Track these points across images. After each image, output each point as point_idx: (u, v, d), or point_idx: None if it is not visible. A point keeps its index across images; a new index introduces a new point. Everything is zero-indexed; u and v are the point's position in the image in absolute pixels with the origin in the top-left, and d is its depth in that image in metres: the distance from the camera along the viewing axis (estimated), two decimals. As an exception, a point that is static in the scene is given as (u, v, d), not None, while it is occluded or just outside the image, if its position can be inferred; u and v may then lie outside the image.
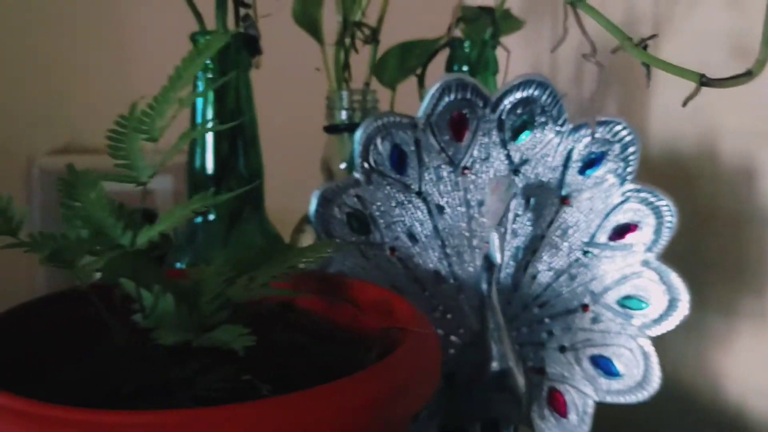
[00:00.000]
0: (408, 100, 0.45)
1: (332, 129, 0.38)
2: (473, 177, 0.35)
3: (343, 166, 0.38)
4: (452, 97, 0.33)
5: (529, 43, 0.60)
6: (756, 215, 0.49)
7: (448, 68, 0.41)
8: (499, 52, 0.42)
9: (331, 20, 0.40)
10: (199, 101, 0.35)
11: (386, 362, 0.21)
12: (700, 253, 0.53)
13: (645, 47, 0.23)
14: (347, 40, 0.36)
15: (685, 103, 0.27)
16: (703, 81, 0.25)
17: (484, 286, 0.32)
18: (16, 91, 0.48)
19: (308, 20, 0.39)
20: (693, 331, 0.54)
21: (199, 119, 0.34)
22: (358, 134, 0.33)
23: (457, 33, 0.41)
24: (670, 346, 0.54)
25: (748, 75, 0.25)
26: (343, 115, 0.37)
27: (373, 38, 0.38)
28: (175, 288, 0.25)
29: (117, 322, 0.26)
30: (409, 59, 0.42)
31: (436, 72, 0.44)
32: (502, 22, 0.41)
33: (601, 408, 0.35)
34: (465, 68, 0.40)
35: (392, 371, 0.21)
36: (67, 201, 0.25)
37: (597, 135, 0.33)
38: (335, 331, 0.30)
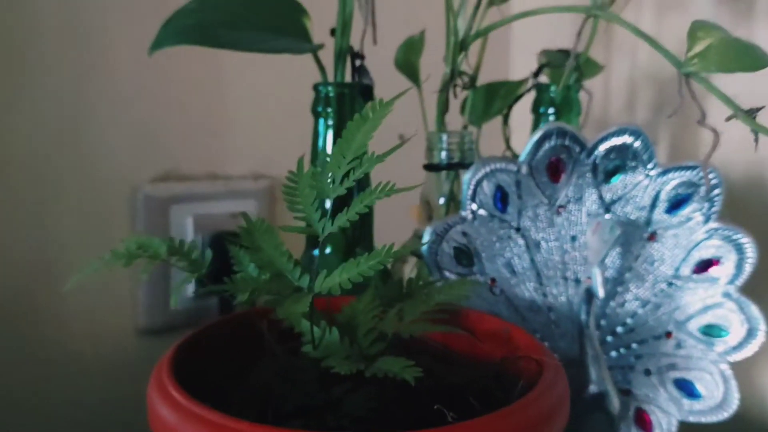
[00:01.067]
0: (493, 135, 0.49)
1: (433, 167, 0.41)
2: (567, 215, 0.38)
3: (441, 201, 0.42)
4: (552, 143, 0.37)
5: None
6: None
7: (535, 110, 0.45)
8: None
9: (426, 66, 0.43)
10: (322, 141, 0.38)
11: (537, 392, 0.25)
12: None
13: (754, 117, 0.26)
14: (450, 86, 0.40)
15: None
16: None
17: (584, 317, 0.36)
18: (119, 124, 0.52)
19: (409, 67, 0.42)
20: None
21: (321, 156, 0.38)
22: (467, 177, 0.37)
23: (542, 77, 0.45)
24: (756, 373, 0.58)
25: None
26: (443, 154, 0.41)
27: (472, 84, 0.42)
28: (336, 322, 0.28)
29: (280, 348, 0.29)
30: (495, 101, 0.46)
31: (519, 111, 0.47)
32: (584, 66, 0.44)
33: (684, 427, 0.39)
34: (551, 110, 0.44)
35: (543, 400, 0.25)
36: (244, 245, 0.29)
37: (685, 179, 0.37)
38: (455, 357, 0.33)
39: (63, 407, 0.51)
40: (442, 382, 0.32)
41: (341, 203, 0.39)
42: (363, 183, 0.39)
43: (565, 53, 0.45)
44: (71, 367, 0.51)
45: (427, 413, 0.26)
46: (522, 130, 0.46)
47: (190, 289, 0.55)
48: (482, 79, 0.46)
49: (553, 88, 0.43)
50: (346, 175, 0.27)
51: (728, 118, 0.27)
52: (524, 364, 0.30)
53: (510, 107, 0.46)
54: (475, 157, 0.42)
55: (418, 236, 0.41)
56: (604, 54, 0.66)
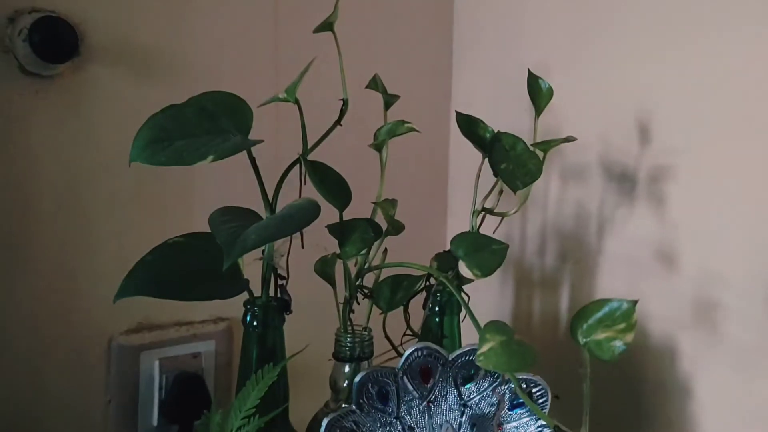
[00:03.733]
0: (397, 318, 0.60)
1: (339, 359, 0.53)
2: (435, 407, 0.50)
3: (345, 384, 0.54)
4: (421, 358, 0.49)
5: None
6: (679, 386, 0.65)
7: (425, 306, 0.56)
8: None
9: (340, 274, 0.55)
10: (251, 350, 0.50)
11: None
12: (632, 412, 0.69)
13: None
14: (349, 303, 0.52)
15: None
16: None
17: (438, 496, 0.47)
18: (94, 280, 0.63)
19: (325, 275, 0.54)
20: None
21: (245, 365, 0.50)
22: (356, 381, 0.48)
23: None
24: None
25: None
26: (347, 350, 0.53)
27: (371, 296, 0.54)
28: None
29: None
30: (399, 291, 0.58)
31: (418, 301, 0.59)
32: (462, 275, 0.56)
33: None
34: (437, 308, 0.56)
35: None
36: None
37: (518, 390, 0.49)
38: None
39: None
40: None
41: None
42: (282, 373, 0.51)
43: (453, 257, 0.57)
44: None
45: None
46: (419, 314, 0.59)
47: (155, 419, 0.67)
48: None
49: (438, 294, 0.55)
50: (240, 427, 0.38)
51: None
52: None
53: (409, 300, 0.57)
54: (372, 350, 0.54)
55: (326, 412, 0.53)
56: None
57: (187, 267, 0.46)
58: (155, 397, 0.65)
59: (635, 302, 0.38)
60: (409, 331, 0.58)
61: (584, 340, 0.39)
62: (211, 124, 0.43)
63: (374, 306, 0.57)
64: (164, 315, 0.68)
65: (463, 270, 0.46)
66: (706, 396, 0.64)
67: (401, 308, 0.58)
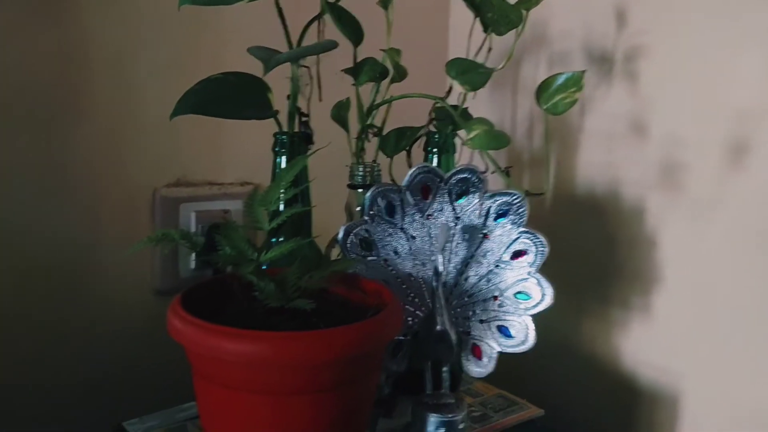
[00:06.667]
0: (400, 164, 0.70)
1: (353, 186, 0.63)
2: (432, 220, 0.60)
3: (357, 209, 0.64)
4: (422, 175, 0.59)
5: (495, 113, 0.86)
6: (646, 240, 0.75)
7: (425, 149, 0.66)
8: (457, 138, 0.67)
9: (354, 119, 0.65)
10: (279, 172, 0.60)
11: (379, 316, 0.47)
12: (607, 264, 0.80)
13: (508, 173, 0.48)
14: (363, 135, 0.62)
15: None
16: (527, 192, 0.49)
17: (434, 284, 0.58)
18: (146, 144, 0.73)
19: (340, 119, 0.64)
20: (600, 318, 0.81)
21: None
22: (368, 195, 0.58)
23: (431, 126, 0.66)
24: (585, 330, 0.82)
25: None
26: (359, 178, 0.63)
27: (379, 133, 0.64)
28: (274, 280, 0.50)
29: (243, 295, 0.51)
30: (402, 140, 0.68)
31: (419, 148, 0.69)
32: (458, 120, 0.65)
33: (501, 356, 0.61)
34: (435, 149, 0.65)
35: (382, 319, 0.47)
36: (222, 235, 0.51)
37: (504, 200, 0.59)
38: (351, 304, 0.55)
39: (101, 348, 0.73)
40: (334, 315, 0.53)
41: (276, 212, 0.60)
42: (305, 197, 0.61)
43: (450, 108, 0.66)
44: (102, 317, 0.73)
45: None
46: (420, 160, 0.68)
47: (193, 263, 0.77)
48: (402, 119, 0.67)
49: (437, 135, 0.65)
50: (278, 198, 0.48)
51: (492, 173, 0.49)
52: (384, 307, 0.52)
53: (411, 145, 0.67)
54: (381, 180, 0.64)
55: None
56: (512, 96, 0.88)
57: (228, 95, 0.56)
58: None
59: (584, 71, 0.48)
60: (411, 174, 0.68)
61: (545, 105, 0.49)
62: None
63: (381, 151, 0.67)
64: (198, 174, 0.78)
65: (456, 86, 0.56)
66: (668, 246, 0.75)
67: (405, 155, 0.68)
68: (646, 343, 0.78)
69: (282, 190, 0.48)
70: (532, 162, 0.90)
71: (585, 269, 0.83)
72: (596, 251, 0.81)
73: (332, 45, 0.52)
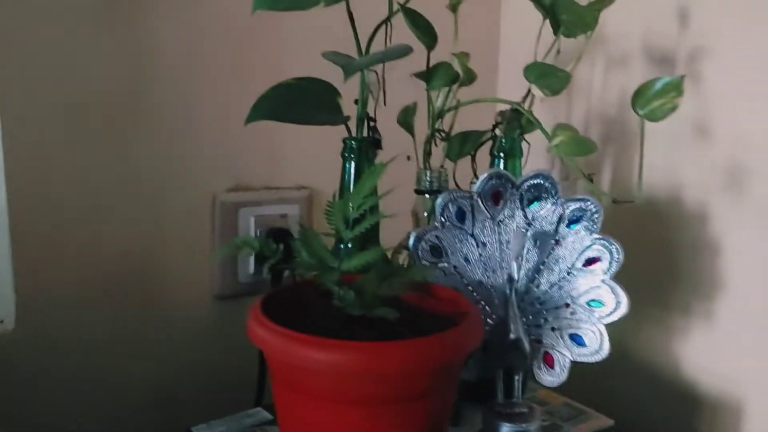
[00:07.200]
0: (464, 168, 0.70)
1: (420, 192, 0.62)
2: (503, 227, 0.59)
3: (424, 214, 0.63)
4: (494, 181, 0.58)
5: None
6: (710, 244, 0.73)
7: (491, 153, 0.65)
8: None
9: (418, 124, 0.65)
10: (348, 176, 0.60)
11: (463, 325, 0.46)
12: (668, 269, 0.78)
13: (591, 179, 0.47)
14: (432, 140, 0.61)
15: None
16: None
17: (508, 291, 0.57)
18: (207, 151, 0.74)
19: (406, 124, 0.63)
20: (660, 324, 0.79)
21: (347, 186, 0.59)
22: (439, 201, 0.58)
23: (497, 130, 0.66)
24: (643, 336, 0.80)
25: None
26: (427, 184, 0.62)
27: (447, 137, 0.63)
28: (353, 288, 0.50)
29: (321, 302, 0.51)
30: (467, 144, 0.67)
31: (483, 152, 0.68)
32: (525, 124, 0.65)
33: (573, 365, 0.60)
34: (502, 154, 0.65)
35: (462, 331, 0.46)
36: (301, 242, 0.50)
37: (578, 206, 0.58)
38: (424, 312, 0.54)
39: (162, 349, 0.73)
40: (413, 324, 0.53)
41: (356, 220, 0.60)
42: (373, 207, 0.61)
43: (515, 113, 0.65)
44: (165, 322, 0.74)
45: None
46: (486, 165, 0.68)
47: (251, 267, 0.77)
48: (469, 127, 0.67)
49: (504, 140, 0.64)
50: (360, 205, 0.48)
51: (574, 180, 0.48)
52: (462, 317, 0.51)
53: (476, 150, 0.66)
54: (448, 186, 0.63)
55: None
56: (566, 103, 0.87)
57: (300, 100, 0.56)
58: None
59: (683, 76, 0.47)
60: (475, 180, 0.67)
61: (642, 111, 0.48)
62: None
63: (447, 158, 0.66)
64: (256, 179, 0.78)
65: (535, 91, 0.55)
66: (732, 251, 0.73)
67: (469, 160, 0.68)
68: (708, 351, 0.76)
69: (362, 198, 0.48)
70: (588, 166, 0.88)
71: (644, 274, 0.81)
72: (656, 256, 0.80)
73: (408, 50, 0.51)
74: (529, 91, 0.56)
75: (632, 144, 0.82)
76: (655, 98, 0.47)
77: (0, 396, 0.65)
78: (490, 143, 0.66)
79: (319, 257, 0.49)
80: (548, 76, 0.52)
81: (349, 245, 0.60)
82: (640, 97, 0.47)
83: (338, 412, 0.44)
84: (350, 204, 0.48)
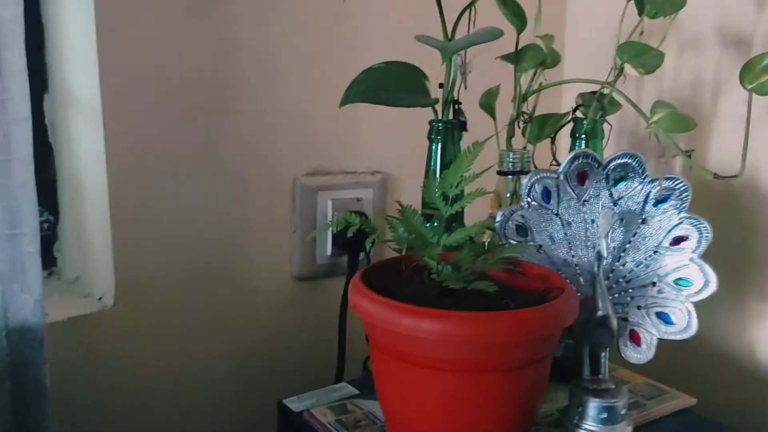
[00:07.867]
0: (545, 150, 0.70)
1: (503, 173, 0.64)
2: (589, 206, 0.60)
3: (508, 195, 0.64)
4: (580, 161, 0.59)
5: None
6: None
7: (572, 135, 0.66)
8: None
9: (500, 106, 0.66)
10: (434, 157, 0.61)
11: (561, 298, 0.47)
12: (743, 252, 0.77)
13: (689, 155, 0.47)
14: (516, 122, 0.62)
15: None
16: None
17: (595, 269, 0.57)
18: (289, 137, 0.76)
19: (488, 107, 0.64)
20: (735, 308, 0.79)
21: (433, 167, 0.61)
22: (525, 181, 0.59)
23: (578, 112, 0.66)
24: (717, 320, 0.79)
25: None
26: (509, 165, 0.63)
27: (529, 120, 0.64)
28: (450, 263, 0.51)
29: (417, 276, 0.52)
30: (546, 127, 0.68)
31: (562, 135, 0.69)
32: (607, 106, 0.65)
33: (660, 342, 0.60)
34: (583, 136, 0.65)
35: (562, 304, 0.47)
36: (400, 219, 0.52)
37: (665, 185, 0.58)
38: (513, 287, 0.56)
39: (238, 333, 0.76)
40: (509, 297, 0.54)
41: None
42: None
43: (594, 95, 0.66)
44: (248, 302, 0.76)
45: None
46: (564, 147, 0.68)
47: (329, 250, 0.80)
48: (540, 109, 0.67)
49: (585, 121, 0.65)
50: (458, 184, 0.50)
51: (673, 156, 0.48)
52: (554, 293, 0.52)
53: (556, 132, 0.67)
54: (530, 167, 0.64)
55: (492, 217, 0.64)
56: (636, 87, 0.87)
57: (390, 83, 0.57)
58: (329, 230, 0.78)
59: None
60: (554, 162, 0.68)
61: (750, 85, 0.48)
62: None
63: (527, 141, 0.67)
64: (333, 164, 0.80)
65: (629, 70, 0.55)
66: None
67: (548, 142, 0.68)
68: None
69: (461, 175, 0.49)
70: (659, 146, 0.88)
71: (719, 258, 0.81)
72: (731, 239, 0.79)
73: (499, 33, 0.52)
74: (621, 70, 0.57)
75: (707, 126, 0.81)
76: (764, 72, 0.47)
77: (95, 367, 0.68)
78: (567, 126, 0.67)
79: (419, 233, 0.50)
80: (643, 55, 0.52)
81: (435, 224, 0.61)
82: (748, 71, 0.48)
83: (439, 379, 0.46)
84: (450, 180, 0.50)
